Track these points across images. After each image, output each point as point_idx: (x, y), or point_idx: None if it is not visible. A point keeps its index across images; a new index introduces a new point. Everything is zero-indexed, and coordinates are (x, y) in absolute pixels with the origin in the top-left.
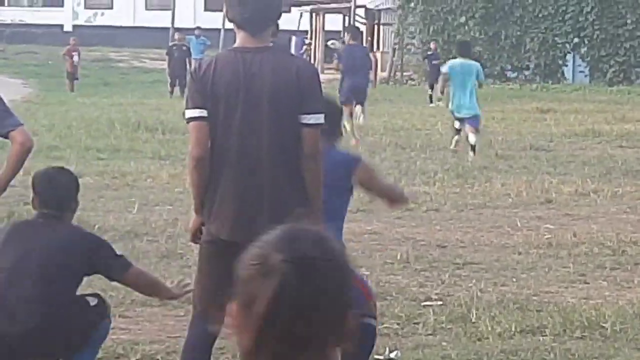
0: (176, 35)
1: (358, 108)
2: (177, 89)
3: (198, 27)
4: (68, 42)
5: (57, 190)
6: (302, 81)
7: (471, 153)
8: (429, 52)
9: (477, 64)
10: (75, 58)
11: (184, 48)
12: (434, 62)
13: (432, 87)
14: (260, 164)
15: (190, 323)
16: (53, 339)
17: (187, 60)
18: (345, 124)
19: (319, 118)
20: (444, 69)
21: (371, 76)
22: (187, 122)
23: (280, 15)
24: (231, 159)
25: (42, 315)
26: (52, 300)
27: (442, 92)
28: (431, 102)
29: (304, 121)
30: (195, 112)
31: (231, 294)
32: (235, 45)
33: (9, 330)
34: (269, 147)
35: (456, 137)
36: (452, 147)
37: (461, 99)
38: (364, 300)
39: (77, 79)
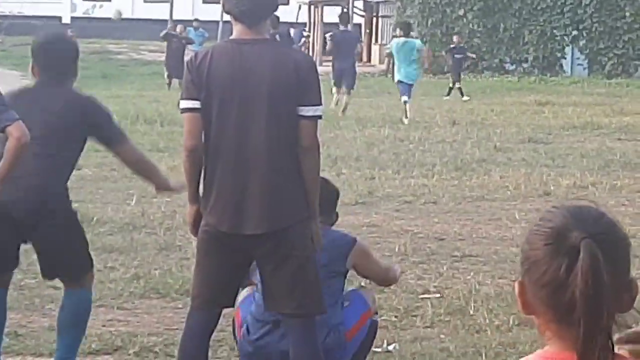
0: (178, 28)
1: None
2: (175, 81)
3: (196, 19)
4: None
5: (57, 56)
6: (300, 73)
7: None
8: (451, 45)
9: (417, 41)
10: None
11: (183, 41)
12: (456, 55)
13: (456, 81)
14: (258, 156)
15: (188, 315)
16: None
17: (184, 52)
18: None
19: (317, 110)
20: (389, 49)
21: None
22: (181, 113)
23: (277, 7)
24: (228, 151)
25: (42, 176)
26: (54, 162)
27: (387, 71)
28: (448, 94)
29: (302, 113)
30: (189, 104)
31: (231, 285)
32: (232, 37)
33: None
34: (267, 140)
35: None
36: (404, 118)
37: (405, 69)
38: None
39: None
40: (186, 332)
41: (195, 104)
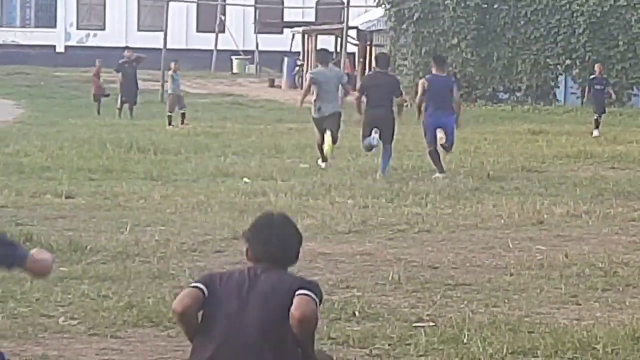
0: (126, 52)
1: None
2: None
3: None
4: (60, 63)
5: None
6: (301, 283)
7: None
8: (591, 76)
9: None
10: (101, 79)
11: (134, 64)
12: (597, 86)
13: (598, 113)
14: (249, 343)
15: None
16: None
17: (136, 76)
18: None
19: (313, 295)
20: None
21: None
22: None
23: (297, 258)
24: (220, 336)
25: None
26: None
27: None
28: (597, 127)
29: (297, 293)
30: (198, 285)
31: None
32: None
33: None
34: (258, 339)
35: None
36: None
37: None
38: None
39: (107, 95)
40: None
41: (203, 287)
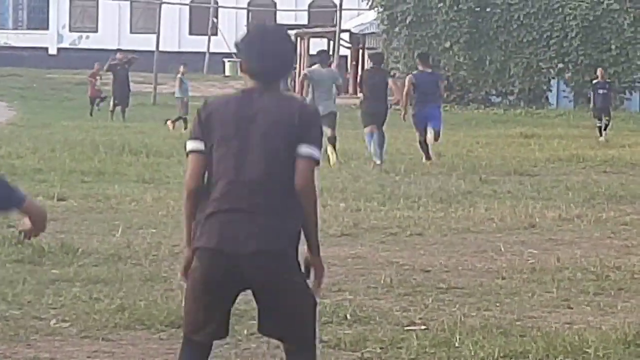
0: (118, 55)
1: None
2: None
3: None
4: (52, 65)
5: None
6: (302, 116)
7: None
8: (594, 81)
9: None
10: (98, 82)
11: (126, 66)
12: (600, 91)
13: (605, 117)
14: (253, 189)
15: (181, 351)
16: None
17: (128, 79)
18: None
19: (313, 150)
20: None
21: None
22: (187, 154)
23: (292, 67)
24: (225, 184)
25: None
26: None
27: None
28: (600, 135)
29: (298, 150)
30: (194, 145)
31: (220, 316)
32: (245, 87)
33: None
34: (263, 175)
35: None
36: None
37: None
38: None
39: (104, 98)
40: None
41: (200, 146)
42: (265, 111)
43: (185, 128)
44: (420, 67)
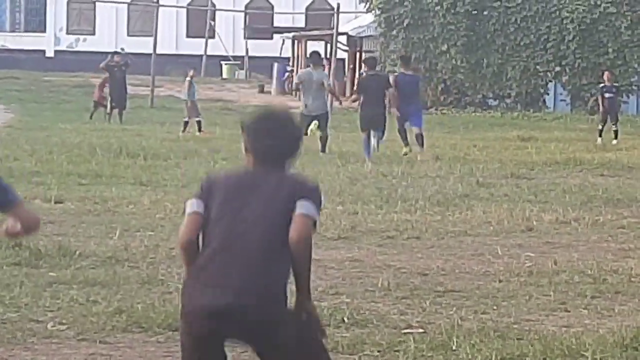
0: (115, 57)
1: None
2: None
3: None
4: (49, 68)
5: None
6: (303, 186)
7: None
8: (600, 85)
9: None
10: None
11: (124, 69)
12: (607, 94)
13: (604, 122)
14: (246, 254)
15: None
16: None
17: (125, 81)
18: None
19: (309, 208)
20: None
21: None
22: (187, 216)
23: (298, 152)
24: (220, 238)
25: None
26: None
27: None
28: (600, 136)
29: (297, 206)
30: (195, 206)
31: None
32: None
33: None
34: (260, 234)
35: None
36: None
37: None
38: None
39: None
40: None
41: (200, 209)
42: (267, 184)
43: (200, 130)
44: (402, 69)
